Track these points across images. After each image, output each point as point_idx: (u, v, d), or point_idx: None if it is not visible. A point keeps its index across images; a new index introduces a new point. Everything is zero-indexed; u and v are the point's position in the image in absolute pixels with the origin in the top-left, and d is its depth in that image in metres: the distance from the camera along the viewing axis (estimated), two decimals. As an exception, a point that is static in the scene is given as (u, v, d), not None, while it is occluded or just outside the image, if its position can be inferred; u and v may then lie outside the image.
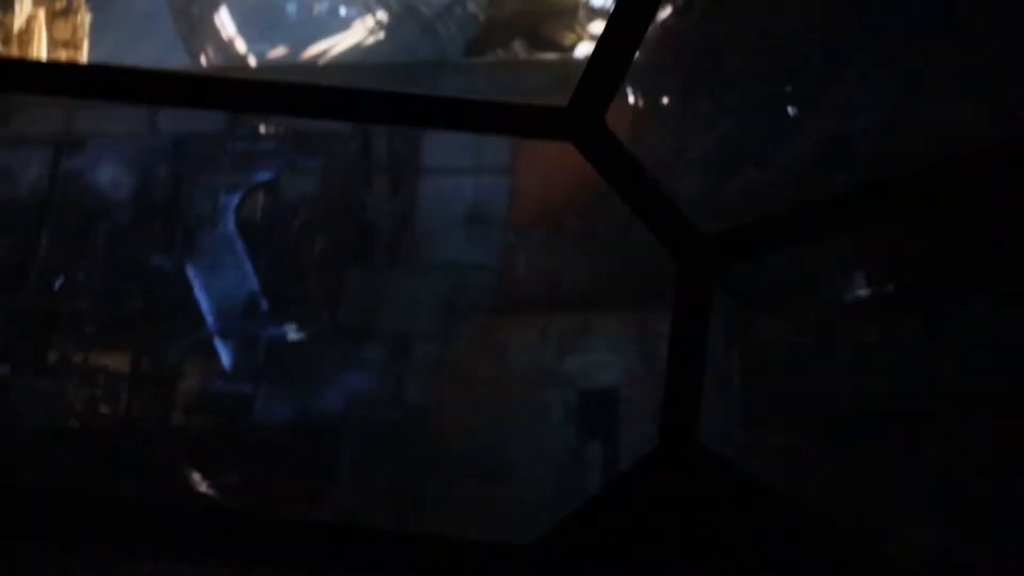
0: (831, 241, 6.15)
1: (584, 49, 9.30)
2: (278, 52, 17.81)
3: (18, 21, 10.55)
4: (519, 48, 9.25)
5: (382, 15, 17.49)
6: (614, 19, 2.44)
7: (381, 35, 17.92)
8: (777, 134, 7.12)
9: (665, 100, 7.38)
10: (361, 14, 19.02)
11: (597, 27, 9.36)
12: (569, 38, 8.74)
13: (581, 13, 8.97)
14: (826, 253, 6.73)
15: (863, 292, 6.86)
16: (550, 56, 8.86)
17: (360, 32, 19.21)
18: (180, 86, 2.00)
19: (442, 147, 7.93)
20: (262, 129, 8.55)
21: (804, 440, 6.25)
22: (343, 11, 20.12)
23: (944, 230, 5.53)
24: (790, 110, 7.16)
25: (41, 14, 10.77)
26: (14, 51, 10.36)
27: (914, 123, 6.93)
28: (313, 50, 18.74)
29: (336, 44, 19.27)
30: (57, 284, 8.51)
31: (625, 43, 2.34)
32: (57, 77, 1.91)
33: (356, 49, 18.69)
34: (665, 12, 7.73)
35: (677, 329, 2.69)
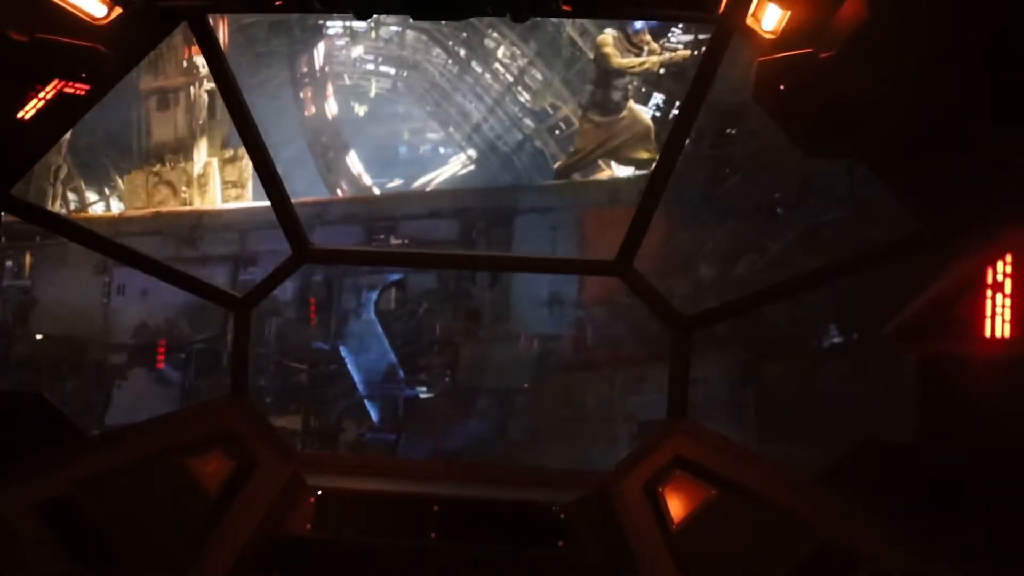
0: (802, 304, 7.91)
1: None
2: (395, 183, 20.44)
3: (197, 168, 12.89)
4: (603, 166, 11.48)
5: (471, 152, 20.25)
6: (649, 190, 3.60)
7: (472, 167, 20.53)
8: (769, 229, 9.22)
9: (687, 210, 9.40)
10: (456, 152, 21.87)
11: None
12: (644, 155, 10.99)
13: (652, 135, 11.11)
14: (809, 315, 8.57)
15: (837, 339, 8.84)
16: (602, 178, 11.08)
17: (456, 165, 22.11)
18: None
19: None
20: (392, 241, 10.46)
21: (805, 450, 7.44)
22: (442, 150, 23.13)
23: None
24: (779, 211, 9.30)
25: (215, 161, 13.05)
26: (195, 192, 12.71)
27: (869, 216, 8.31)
28: (421, 180, 21.48)
29: (439, 175, 22.12)
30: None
31: (652, 200, 3.65)
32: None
33: (454, 178, 21.36)
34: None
35: (673, 372, 3.77)
